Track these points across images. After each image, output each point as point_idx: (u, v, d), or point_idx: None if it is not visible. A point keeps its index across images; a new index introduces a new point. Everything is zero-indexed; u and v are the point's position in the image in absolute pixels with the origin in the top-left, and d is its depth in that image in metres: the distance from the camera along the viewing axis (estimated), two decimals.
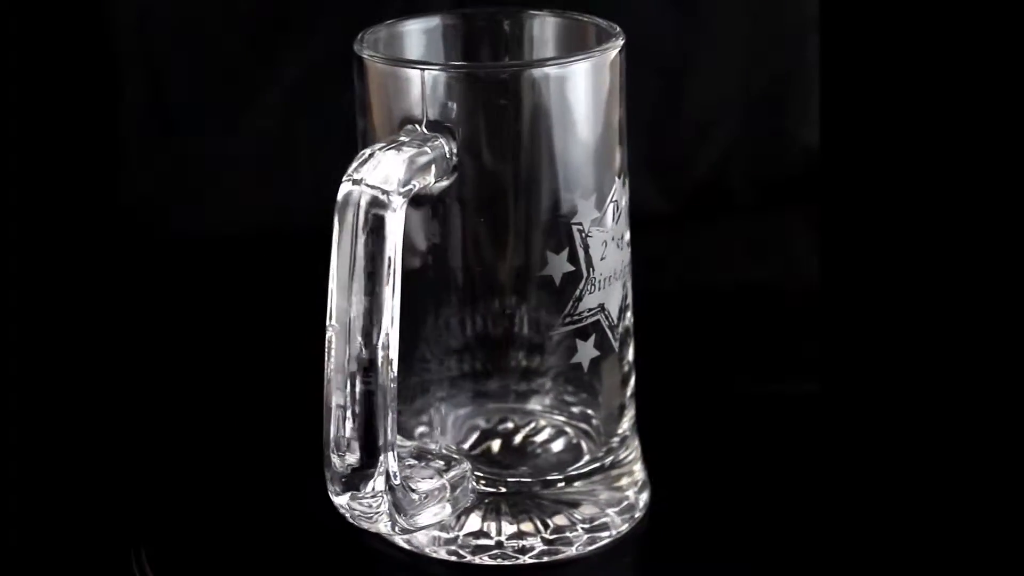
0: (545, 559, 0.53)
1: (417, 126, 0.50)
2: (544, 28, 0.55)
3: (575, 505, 0.54)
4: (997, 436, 0.54)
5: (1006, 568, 0.52)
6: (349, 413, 0.48)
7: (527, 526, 0.53)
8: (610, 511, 0.54)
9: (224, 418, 0.64)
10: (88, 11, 0.80)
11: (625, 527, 0.54)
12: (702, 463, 0.60)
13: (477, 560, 0.53)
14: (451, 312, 0.53)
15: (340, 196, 0.48)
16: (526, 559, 0.53)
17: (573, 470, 0.54)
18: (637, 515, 0.55)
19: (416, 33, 0.55)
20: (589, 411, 0.56)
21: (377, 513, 0.48)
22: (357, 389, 0.48)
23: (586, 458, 0.55)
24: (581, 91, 0.51)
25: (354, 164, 0.48)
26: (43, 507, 0.58)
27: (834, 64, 0.59)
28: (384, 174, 0.48)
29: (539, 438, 0.56)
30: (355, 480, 0.48)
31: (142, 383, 0.68)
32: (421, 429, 0.55)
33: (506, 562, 0.53)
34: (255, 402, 0.65)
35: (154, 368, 0.69)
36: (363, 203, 0.48)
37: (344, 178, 0.48)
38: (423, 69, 0.50)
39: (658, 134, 0.83)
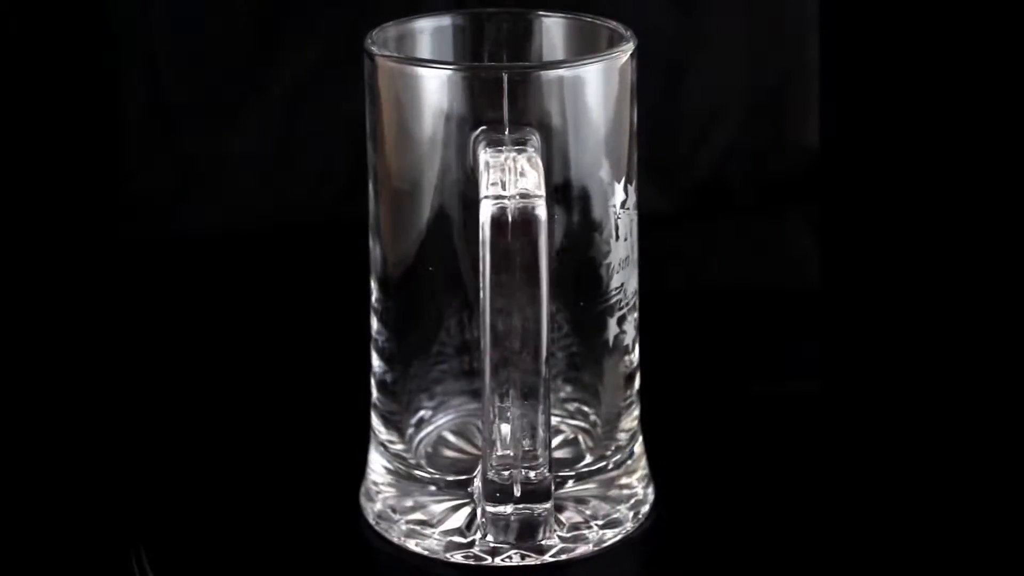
0: (540, 561, 0.53)
1: (501, 129, 0.50)
2: (554, 30, 0.55)
3: (576, 505, 0.54)
4: (997, 436, 0.54)
5: (1006, 568, 0.52)
6: (520, 427, 0.47)
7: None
8: (608, 516, 0.54)
9: (225, 417, 0.64)
10: (88, 11, 0.80)
11: (619, 537, 0.54)
12: (702, 463, 0.60)
13: (473, 561, 0.53)
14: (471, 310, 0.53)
15: (491, 214, 0.47)
16: (522, 561, 0.53)
17: (573, 470, 0.54)
18: (629, 527, 0.55)
19: (426, 32, 0.55)
20: (589, 410, 0.56)
21: (543, 522, 0.48)
22: (528, 404, 0.47)
23: (587, 458, 0.55)
24: (621, 80, 0.52)
25: (488, 177, 0.47)
26: (43, 507, 0.58)
27: (834, 64, 0.59)
28: (527, 181, 0.47)
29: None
30: (522, 491, 0.48)
31: (143, 383, 0.68)
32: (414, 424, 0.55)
33: (504, 563, 0.53)
34: (256, 401, 0.65)
35: (155, 367, 0.69)
36: (520, 215, 0.47)
37: (486, 194, 0.47)
38: (506, 71, 0.50)
39: (658, 134, 0.83)
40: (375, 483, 0.55)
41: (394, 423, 0.55)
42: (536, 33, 0.55)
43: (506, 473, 0.48)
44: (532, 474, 0.48)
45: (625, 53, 0.52)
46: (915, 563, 0.53)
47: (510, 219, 0.47)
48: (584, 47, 0.54)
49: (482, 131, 0.50)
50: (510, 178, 0.48)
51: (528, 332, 0.47)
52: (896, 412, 0.56)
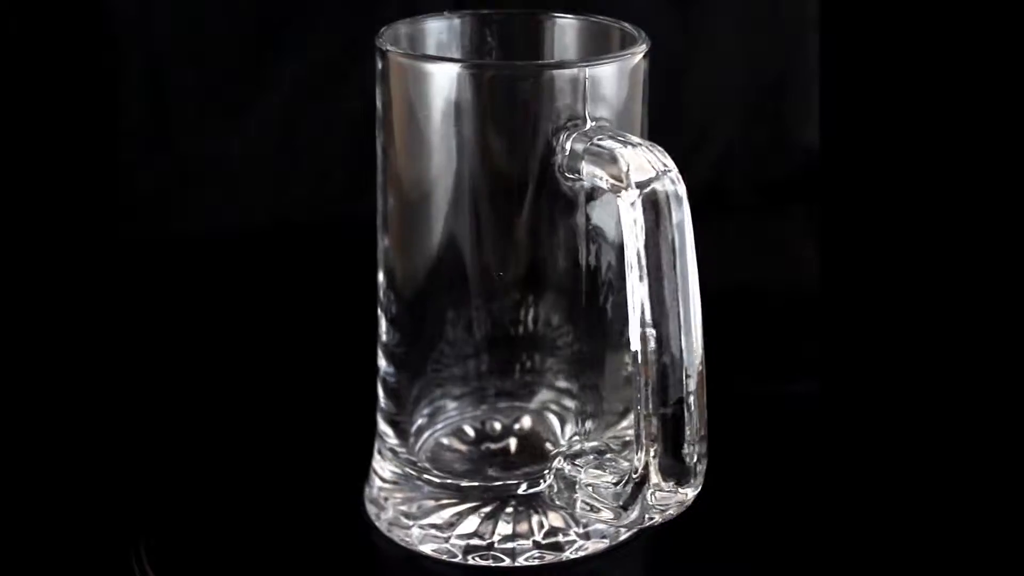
0: (545, 560, 0.53)
1: (584, 121, 0.50)
2: (567, 31, 0.55)
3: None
4: (997, 436, 0.54)
5: (1006, 568, 0.52)
6: (690, 411, 0.48)
7: (522, 527, 0.53)
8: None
9: (224, 417, 0.64)
10: (88, 11, 0.80)
11: (628, 533, 0.54)
12: None
13: (473, 561, 0.53)
14: (477, 307, 0.53)
15: (639, 204, 0.47)
16: (520, 561, 0.53)
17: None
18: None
19: (437, 32, 0.55)
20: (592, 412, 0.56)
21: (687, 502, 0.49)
22: (692, 386, 0.48)
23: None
24: (635, 80, 0.52)
25: (627, 166, 0.48)
26: (43, 507, 0.58)
27: (834, 64, 0.59)
28: (662, 161, 0.48)
29: (542, 438, 0.56)
30: (688, 475, 0.48)
31: (142, 383, 0.68)
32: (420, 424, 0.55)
33: (501, 563, 0.53)
34: (255, 401, 0.65)
35: (154, 368, 0.69)
36: (673, 192, 0.48)
37: (625, 188, 0.48)
38: (585, 66, 0.50)
39: (658, 134, 0.83)
40: (379, 484, 0.55)
41: (398, 424, 0.55)
42: (548, 34, 0.55)
43: (686, 456, 0.48)
44: (700, 457, 0.48)
45: (639, 54, 0.52)
46: (915, 563, 0.53)
47: (667, 197, 0.48)
48: (596, 48, 0.54)
49: (567, 130, 0.50)
50: (645, 162, 0.48)
51: (686, 312, 0.48)
52: (896, 412, 0.56)
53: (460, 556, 0.53)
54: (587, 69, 0.50)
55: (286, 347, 0.71)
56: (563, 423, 0.56)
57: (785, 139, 0.86)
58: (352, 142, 0.55)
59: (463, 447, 0.56)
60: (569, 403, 0.55)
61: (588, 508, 0.51)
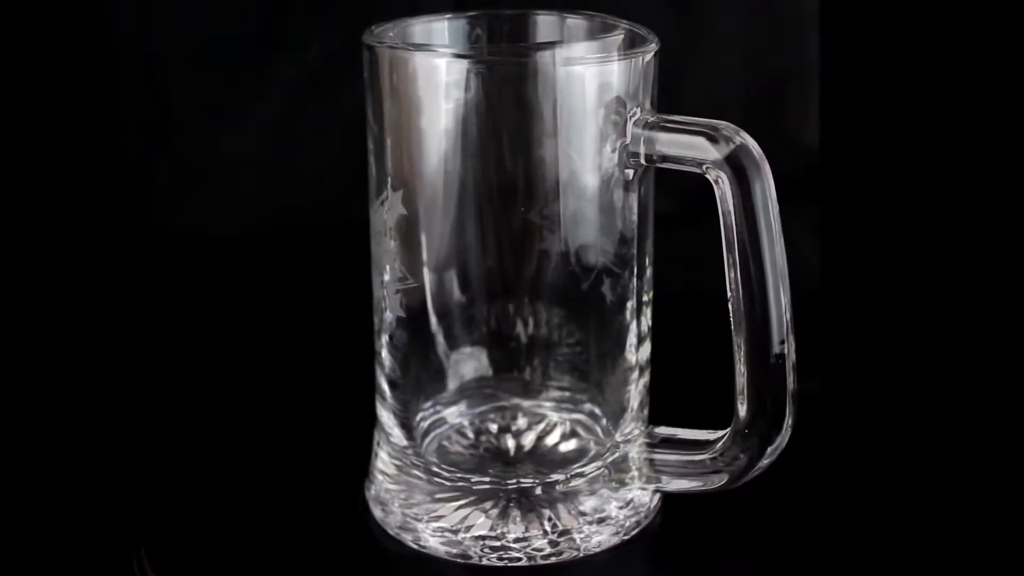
0: (552, 560, 0.53)
1: (640, 109, 0.51)
2: (575, 30, 0.55)
3: (582, 504, 0.54)
4: (997, 435, 0.54)
5: (1006, 568, 0.52)
6: (790, 365, 0.49)
7: (535, 527, 0.53)
8: (617, 512, 0.54)
9: (225, 418, 0.64)
10: (88, 11, 0.80)
11: (635, 530, 0.54)
12: None
13: (485, 561, 0.53)
14: (479, 303, 0.54)
15: (730, 173, 0.49)
16: (537, 560, 0.53)
17: (579, 468, 0.54)
18: (644, 520, 0.55)
19: (445, 32, 0.55)
20: (596, 409, 0.56)
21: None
22: (789, 341, 0.50)
23: (592, 456, 0.55)
24: (646, 78, 0.52)
25: (714, 143, 0.49)
26: (43, 507, 0.58)
27: (834, 64, 0.59)
28: (741, 136, 0.49)
29: (548, 436, 0.56)
30: (784, 429, 0.50)
31: (142, 383, 0.68)
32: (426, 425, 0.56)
33: (513, 563, 0.53)
34: (256, 402, 0.65)
35: (154, 368, 0.69)
36: (758, 157, 0.49)
37: (712, 161, 0.49)
38: (641, 55, 0.51)
39: None
40: (385, 485, 0.55)
41: (404, 424, 0.55)
42: (556, 33, 0.55)
43: (788, 410, 0.50)
44: (791, 404, 0.50)
45: (649, 52, 0.52)
46: (915, 563, 0.53)
47: (755, 164, 0.49)
48: (603, 47, 0.54)
49: (639, 117, 0.51)
50: (729, 134, 0.49)
51: (781, 270, 0.50)
52: (896, 412, 0.56)
53: (476, 557, 0.53)
54: (605, 65, 0.50)
55: (285, 347, 0.71)
56: (573, 420, 0.56)
57: (785, 139, 0.86)
58: (352, 142, 0.55)
59: (470, 446, 0.56)
60: (576, 399, 0.56)
61: (656, 481, 0.53)
